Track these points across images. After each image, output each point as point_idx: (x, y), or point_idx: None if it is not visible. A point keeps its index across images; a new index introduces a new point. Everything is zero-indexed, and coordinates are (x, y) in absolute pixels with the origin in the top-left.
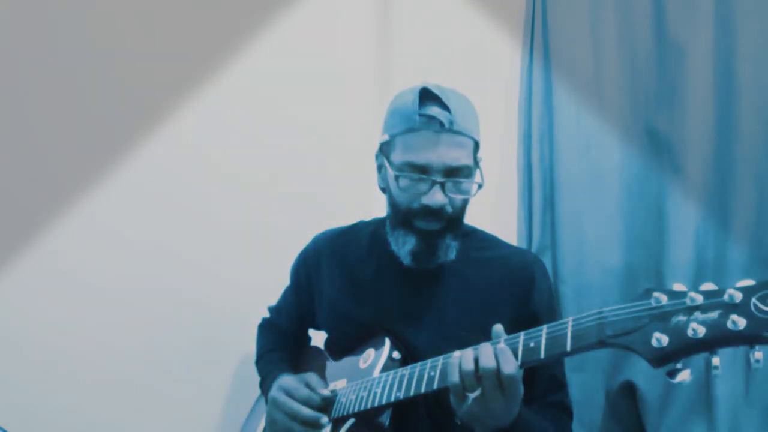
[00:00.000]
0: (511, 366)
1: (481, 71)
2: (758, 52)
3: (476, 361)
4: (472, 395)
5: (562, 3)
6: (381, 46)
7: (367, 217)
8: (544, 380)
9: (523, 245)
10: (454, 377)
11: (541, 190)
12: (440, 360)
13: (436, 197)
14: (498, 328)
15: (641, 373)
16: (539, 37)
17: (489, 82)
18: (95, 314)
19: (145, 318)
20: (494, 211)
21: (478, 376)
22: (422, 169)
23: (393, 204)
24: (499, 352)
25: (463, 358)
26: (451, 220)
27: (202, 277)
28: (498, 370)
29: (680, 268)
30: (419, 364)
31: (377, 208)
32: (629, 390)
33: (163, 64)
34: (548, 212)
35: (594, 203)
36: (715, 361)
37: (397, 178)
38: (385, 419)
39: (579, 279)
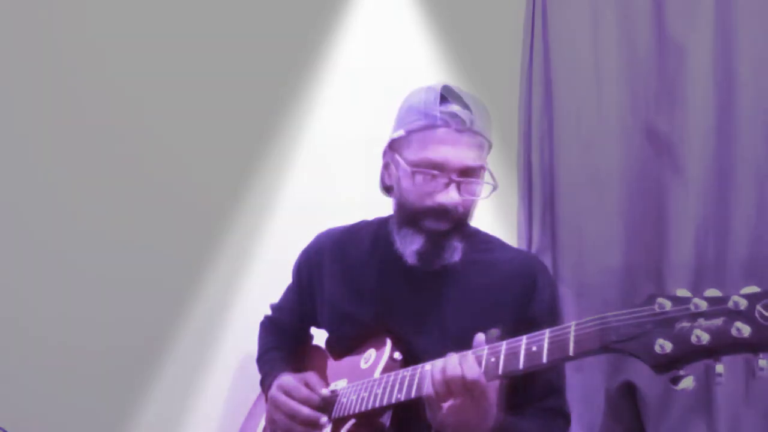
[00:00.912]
0: (473, 371)
1: (481, 71)
2: (758, 52)
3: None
4: (445, 405)
5: (562, 3)
6: (382, 47)
7: (370, 217)
8: (539, 385)
9: (523, 245)
10: (428, 389)
11: (541, 190)
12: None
13: (451, 195)
14: (480, 337)
15: (641, 373)
16: (539, 37)
17: (489, 82)
18: (95, 314)
19: (145, 317)
20: (494, 211)
21: (448, 385)
22: (440, 167)
23: (402, 202)
24: (462, 360)
25: (433, 369)
26: (459, 221)
27: (202, 277)
28: (463, 377)
29: (680, 268)
30: (421, 365)
31: (379, 208)
32: (629, 390)
33: (159, 60)
34: (548, 212)
35: (594, 203)
36: (719, 368)
37: (413, 174)
38: (386, 420)
39: (579, 279)
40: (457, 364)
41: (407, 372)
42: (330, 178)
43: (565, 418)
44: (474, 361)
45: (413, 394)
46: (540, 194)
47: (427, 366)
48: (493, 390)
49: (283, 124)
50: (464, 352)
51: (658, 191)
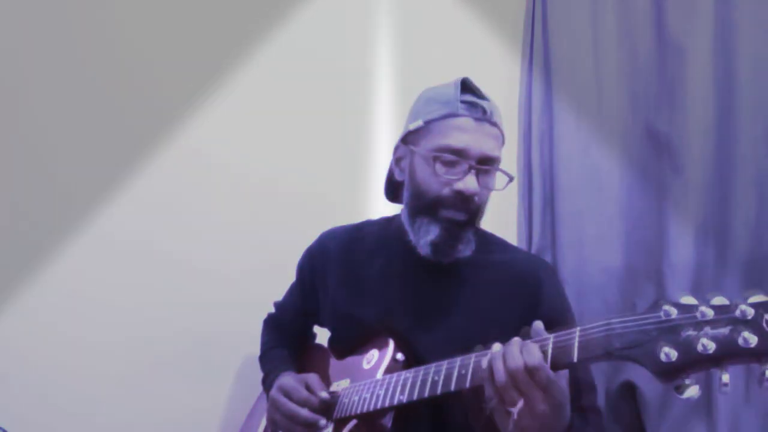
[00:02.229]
0: (533, 357)
1: (481, 71)
2: (758, 52)
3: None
4: (515, 410)
5: (562, 3)
6: (381, 48)
7: (371, 217)
8: (572, 384)
9: (523, 245)
10: (489, 390)
11: (541, 190)
12: (444, 364)
13: (470, 183)
14: (538, 325)
15: (641, 373)
16: (539, 38)
17: (489, 83)
18: (95, 314)
19: (145, 317)
20: (494, 211)
21: (514, 384)
22: (460, 153)
23: (418, 192)
24: (523, 347)
25: (492, 370)
26: (474, 214)
27: (201, 276)
28: (525, 364)
29: (680, 268)
30: (423, 368)
31: (379, 208)
32: (629, 390)
33: (165, 64)
34: (548, 212)
35: (594, 203)
36: (725, 378)
37: (434, 159)
38: (388, 421)
39: (579, 279)
40: (517, 351)
41: (410, 374)
42: (334, 180)
43: (600, 414)
44: (536, 349)
45: (416, 397)
46: (540, 194)
47: (484, 363)
48: (557, 381)
49: None
50: (522, 341)
51: (658, 191)
